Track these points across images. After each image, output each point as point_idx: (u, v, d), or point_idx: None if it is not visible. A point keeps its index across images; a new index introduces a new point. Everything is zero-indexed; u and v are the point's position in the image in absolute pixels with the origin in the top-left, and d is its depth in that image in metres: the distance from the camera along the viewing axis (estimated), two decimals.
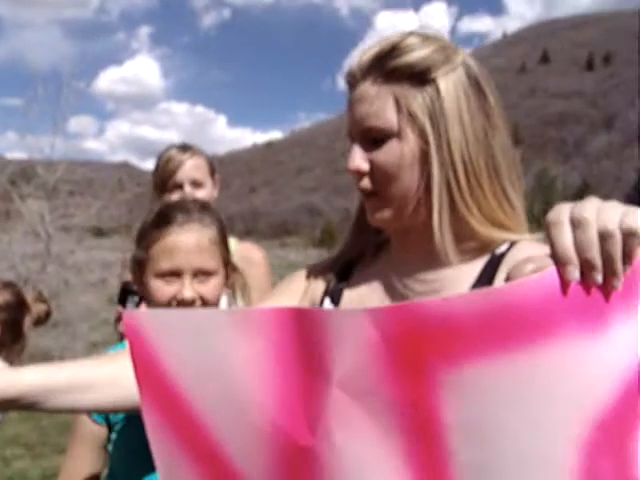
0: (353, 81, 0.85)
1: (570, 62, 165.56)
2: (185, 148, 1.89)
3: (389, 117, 0.80)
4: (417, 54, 0.80)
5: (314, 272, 0.99)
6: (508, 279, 0.58)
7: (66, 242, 8.52)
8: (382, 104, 0.80)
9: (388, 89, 0.80)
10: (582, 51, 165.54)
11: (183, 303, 1.13)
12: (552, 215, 0.57)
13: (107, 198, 9.51)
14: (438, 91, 0.79)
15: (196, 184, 1.84)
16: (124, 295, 1.84)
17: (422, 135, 0.80)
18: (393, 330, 0.57)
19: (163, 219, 1.17)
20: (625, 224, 0.53)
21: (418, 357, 0.57)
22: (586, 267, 0.54)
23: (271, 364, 0.63)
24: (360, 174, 0.84)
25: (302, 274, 1.01)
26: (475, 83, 0.83)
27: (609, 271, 0.54)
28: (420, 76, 0.80)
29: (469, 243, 0.84)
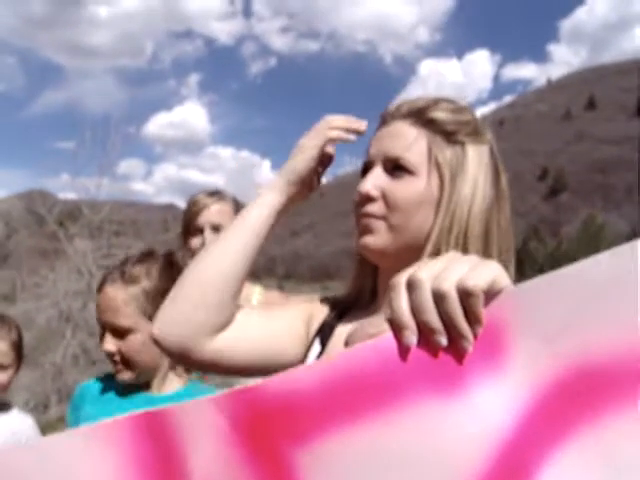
0: (389, 118, 0.92)
1: (617, 108, 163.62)
2: (213, 193, 1.90)
3: (419, 157, 0.86)
4: (454, 116, 0.88)
5: (321, 305, 1.00)
6: (347, 344, 0.56)
7: None
8: (416, 144, 0.87)
9: (424, 134, 0.87)
10: (630, 96, 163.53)
11: (107, 355, 1.26)
12: (393, 278, 0.55)
13: (151, 238, 9.69)
14: (465, 154, 0.87)
15: (216, 229, 1.82)
16: None
17: (440, 185, 0.86)
18: (240, 416, 0.54)
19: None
20: (462, 283, 0.50)
21: (270, 441, 0.54)
22: (425, 330, 0.52)
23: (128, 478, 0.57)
24: (367, 199, 0.87)
25: (311, 304, 1.02)
26: (494, 164, 0.90)
27: (453, 333, 0.51)
28: (453, 135, 0.87)
29: None
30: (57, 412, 6.92)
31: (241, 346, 0.88)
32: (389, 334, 0.53)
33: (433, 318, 0.51)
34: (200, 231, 1.83)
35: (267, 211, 0.90)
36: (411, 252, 0.86)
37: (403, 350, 0.52)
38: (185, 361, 0.88)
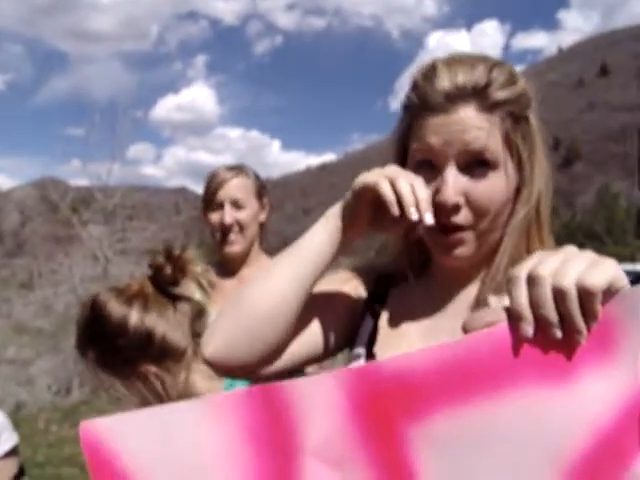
0: (447, 102, 0.76)
1: (631, 74, 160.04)
2: (233, 167, 1.86)
3: (498, 147, 0.76)
4: (514, 90, 0.77)
5: (362, 277, 0.95)
6: (465, 330, 0.59)
7: (124, 265, 8.73)
8: (492, 134, 0.76)
9: (495, 121, 0.76)
10: None
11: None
12: (513, 270, 0.58)
13: (164, 221, 9.72)
14: (531, 128, 0.79)
15: (237, 204, 1.80)
16: None
17: (520, 172, 0.79)
18: (360, 392, 0.59)
19: None
20: (582, 282, 0.53)
21: (385, 416, 0.58)
22: (542, 323, 0.54)
23: (241, 449, 0.61)
24: (456, 209, 0.77)
25: (352, 280, 0.95)
26: (539, 119, 0.82)
27: (569, 327, 0.54)
28: (519, 113, 0.78)
29: None
30: (80, 396, 7.05)
31: (302, 353, 0.86)
32: (505, 324, 0.56)
33: (551, 313, 0.54)
34: (220, 206, 1.80)
35: (329, 237, 0.80)
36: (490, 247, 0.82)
37: (517, 339, 0.56)
38: (247, 377, 0.85)
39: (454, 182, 0.76)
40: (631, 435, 0.54)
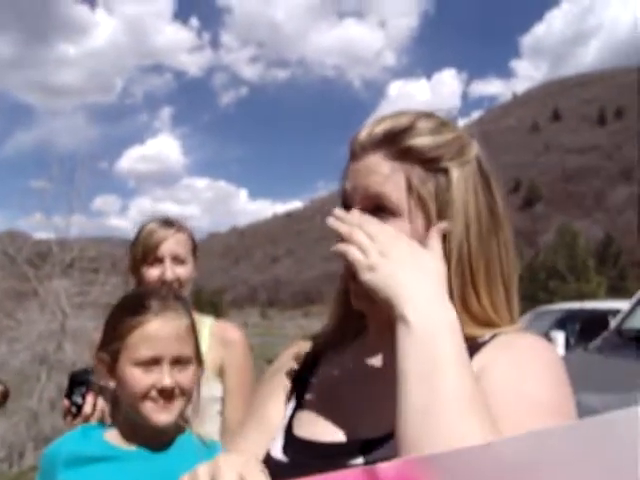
0: (360, 150, 0.79)
1: (581, 118, 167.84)
2: (169, 223, 1.82)
3: (400, 196, 0.76)
4: (434, 139, 0.77)
5: (293, 360, 0.95)
6: None
7: (83, 319, 8.46)
8: (395, 181, 0.76)
9: (400, 167, 0.76)
10: (591, 107, 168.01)
11: (163, 391, 1.11)
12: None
13: (127, 274, 9.51)
14: (449, 182, 0.76)
15: (178, 260, 1.77)
16: (71, 386, 1.68)
17: (427, 224, 0.76)
18: None
19: (138, 306, 1.15)
20: None
21: None
22: None
23: None
24: None
25: (282, 371, 0.95)
26: (485, 179, 0.79)
27: None
28: (433, 162, 0.76)
29: None
30: (32, 460, 6.65)
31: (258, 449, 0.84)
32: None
33: None
34: (159, 261, 1.75)
35: None
36: None
37: None
38: None
39: None
40: None
